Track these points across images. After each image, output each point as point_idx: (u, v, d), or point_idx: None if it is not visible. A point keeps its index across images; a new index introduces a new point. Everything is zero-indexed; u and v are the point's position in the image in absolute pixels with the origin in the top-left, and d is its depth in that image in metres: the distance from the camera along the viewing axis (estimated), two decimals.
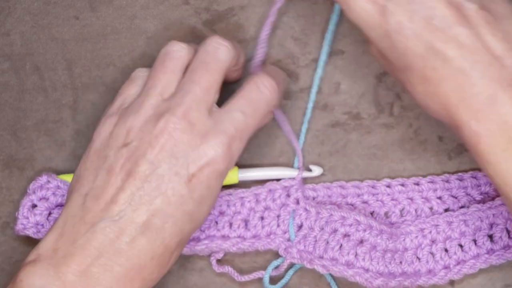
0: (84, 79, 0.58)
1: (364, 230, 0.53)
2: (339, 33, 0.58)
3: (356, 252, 0.53)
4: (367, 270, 0.52)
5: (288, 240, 0.54)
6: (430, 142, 0.57)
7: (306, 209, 0.54)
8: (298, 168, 0.55)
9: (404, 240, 0.54)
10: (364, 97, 0.57)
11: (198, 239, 0.54)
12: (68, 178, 0.55)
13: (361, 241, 0.53)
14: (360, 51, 0.58)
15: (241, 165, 0.56)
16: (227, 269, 0.55)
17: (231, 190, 0.55)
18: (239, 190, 0.55)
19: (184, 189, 0.47)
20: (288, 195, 0.54)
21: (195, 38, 0.59)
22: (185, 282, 0.55)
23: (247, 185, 0.55)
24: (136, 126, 0.48)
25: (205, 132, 0.48)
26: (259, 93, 0.51)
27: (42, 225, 0.54)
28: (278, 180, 0.55)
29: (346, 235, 0.53)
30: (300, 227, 0.54)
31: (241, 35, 0.58)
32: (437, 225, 0.54)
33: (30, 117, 0.58)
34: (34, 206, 0.54)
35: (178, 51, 0.51)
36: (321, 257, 0.53)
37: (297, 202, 0.54)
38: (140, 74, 0.52)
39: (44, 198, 0.54)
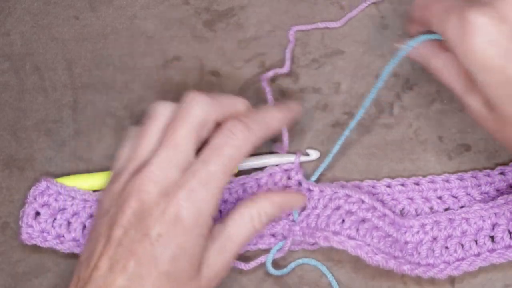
0: (84, 79, 0.58)
1: (368, 210, 0.53)
2: (339, 33, 0.58)
3: (358, 228, 0.52)
4: (368, 245, 0.52)
5: (292, 221, 0.54)
6: (430, 142, 0.56)
7: (309, 189, 0.54)
8: (295, 153, 0.55)
9: (405, 233, 0.54)
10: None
11: None
12: (67, 180, 0.55)
13: (363, 220, 0.53)
14: (360, 51, 0.58)
15: None
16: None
17: (231, 178, 0.55)
18: (240, 177, 0.55)
19: (154, 250, 0.46)
20: (289, 178, 0.54)
21: (195, 38, 0.59)
22: None
23: (247, 173, 0.55)
24: (114, 192, 0.49)
25: (168, 189, 0.47)
26: (223, 138, 0.48)
27: (48, 232, 0.54)
28: (277, 165, 0.55)
29: (349, 212, 0.53)
30: (303, 208, 0.54)
31: (241, 35, 0.58)
32: (439, 222, 0.54)
33: (30, 117, 0.58)
34: (37, 213, 0.54)
35: (159, 110, 0.50)
36: (323, 230, 0.53)
37: (299, 184, 0.54)
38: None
39: (47, 205, 0.54)
